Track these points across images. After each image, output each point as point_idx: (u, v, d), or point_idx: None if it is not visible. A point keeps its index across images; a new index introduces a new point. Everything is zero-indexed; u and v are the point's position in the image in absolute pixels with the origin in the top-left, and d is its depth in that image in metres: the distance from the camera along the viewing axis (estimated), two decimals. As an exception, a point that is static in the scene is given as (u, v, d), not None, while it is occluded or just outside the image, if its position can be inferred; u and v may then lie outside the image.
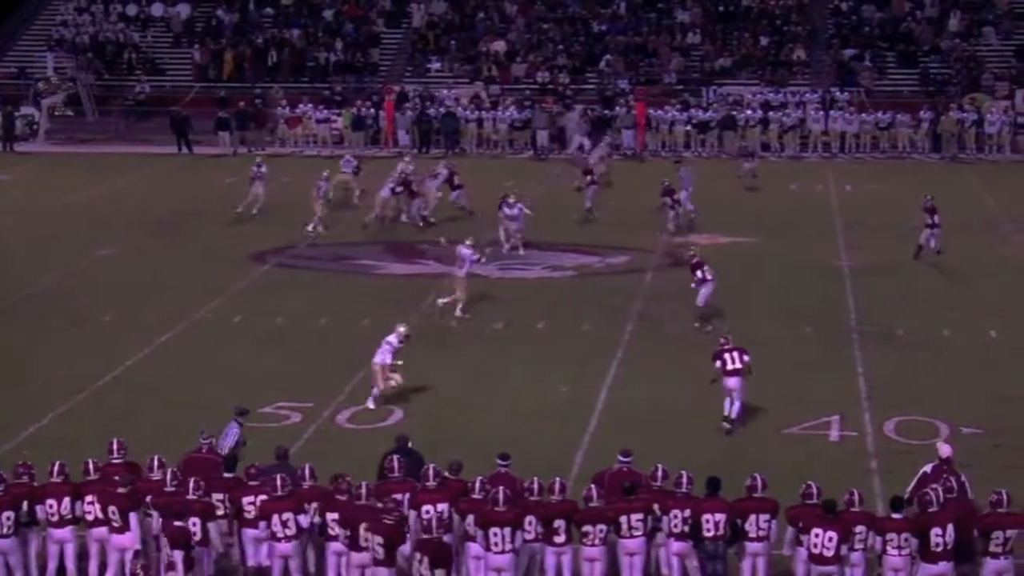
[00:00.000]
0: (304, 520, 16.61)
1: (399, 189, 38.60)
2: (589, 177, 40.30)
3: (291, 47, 60.43)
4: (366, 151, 52.56)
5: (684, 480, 16.83)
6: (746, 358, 22.55)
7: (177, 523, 16.11)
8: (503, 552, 16.20)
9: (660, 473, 17.12)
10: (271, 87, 57.20)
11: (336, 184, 40.06)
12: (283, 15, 62.63)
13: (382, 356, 23.72)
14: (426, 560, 15.72)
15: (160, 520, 16.58)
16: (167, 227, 38.96)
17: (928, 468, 17.45)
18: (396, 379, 23.65)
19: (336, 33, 61.17)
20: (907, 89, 57.06)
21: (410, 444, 18.62)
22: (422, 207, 38.52)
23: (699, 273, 28.38)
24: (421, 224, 38.14)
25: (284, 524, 16.51)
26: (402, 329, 24.11)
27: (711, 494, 16.70)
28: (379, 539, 16.05)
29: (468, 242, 29.88)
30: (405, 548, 16.12)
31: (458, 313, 29.17)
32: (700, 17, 60.91)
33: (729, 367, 22.47)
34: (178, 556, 15.90)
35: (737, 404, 22.53)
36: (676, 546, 16.59)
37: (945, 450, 17.71)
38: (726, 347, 22.67)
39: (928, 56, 58.23)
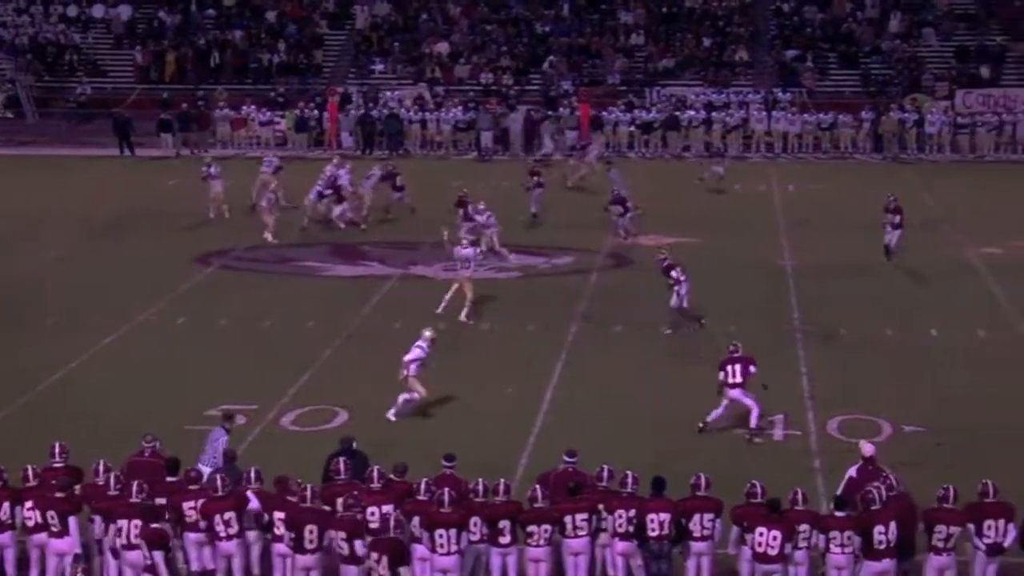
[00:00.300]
0: (254, 503, 16.55)
1: (327, 192, 38.32)
2: (536, 179, 40.25)
3: (234, 48, 60.20)
4: (310, 153, 52.50)
5: (629, 480, 16.86)
6: (751, 369, 22.17)
7: (153, 525, 16.05)
8: (449, 553, 16.18)
9: (606, 473, 17.15)
10: (214, 89, 56.95)
11: (259, 184, 39.78)
12: (225, 16, 62.39)
13: (413, 363, 23.13)
14: (384, 560, 15.69)
15: (102, 524, 16.49)
16: (110, 229, 38.70)
17: (853, 471, 17.52)
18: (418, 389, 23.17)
19: (279, 34, 60.99)
20: (849, 90, 57.46)
21: (355, 445, 18.58)
22: (347, 210, 38.16)
23: (673, 274, 28.12)
24: (363, 227, 38.02)
25: (227, 524, 16.45)
26: (428, 334, 23.43)
27: (656, 494, 16.75)
28: (342, 534, 16.01)
29: (466, 242, 29.72)
30: (359, 546, 16.09)
31: (463, 317, 28.83)
32: (643, 18, 61.12)
33: (729, 380, 22.13)
34: (159, 557, 15.84)
35: (754, 412, 22.20)
36: (621, 546, 16.63)
37: (868, 449, 17.79)
38: (734, 355, 22.30)
39: (869, 57, 58.65)
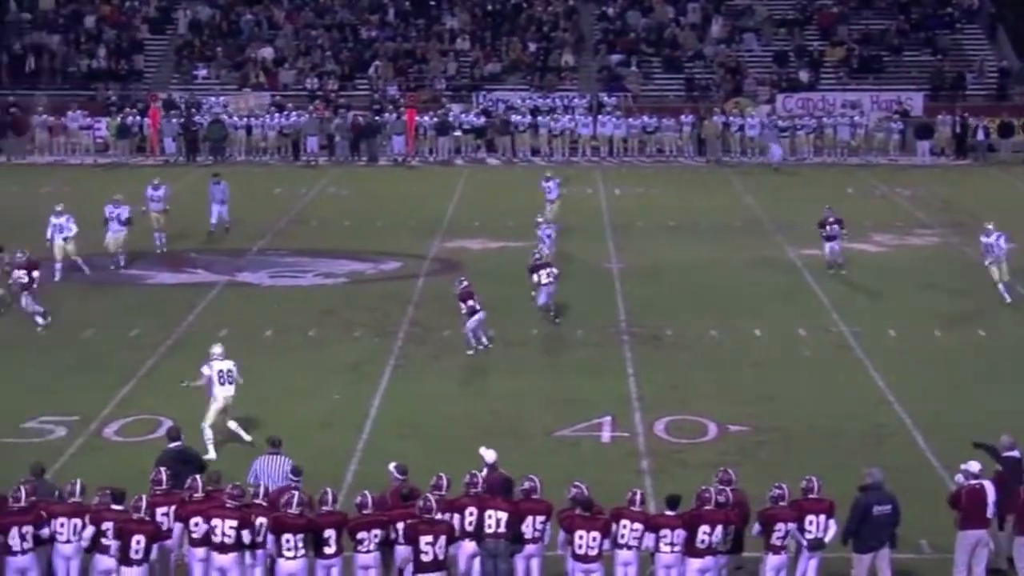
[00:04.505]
0: (45, 531, 16.25)
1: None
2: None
3: (51, 53, 58.95)
4: (132, 159, 51.70)
5: (479, 480, 16.82)
6: None
7: None
8: (296, 557, 16.02)
9: (444, 483, 16.99)
10: (32, 94, 55.75)
11: None
12: (42, 20, 61.07)
13: None
14: (443, 539, 15.99)
15: None
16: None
17: (482, 474, 17.31)
18: None
19: (98, 39, 59.87)
20: (672, 94, 58.15)
21: (183, 438, 18.50)
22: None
23: (468, 303, 27.13)
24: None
25: (23, 538, 16.09)
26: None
27: (500, 494, 16.75)
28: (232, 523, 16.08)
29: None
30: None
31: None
32: (469, 23, 61.20)
33: None
34: None
35: None
36: (471, 547, 16.57)
37: (490, 455, 17.73)
38: None
39: (692, 62, 59.41)
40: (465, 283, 27.59)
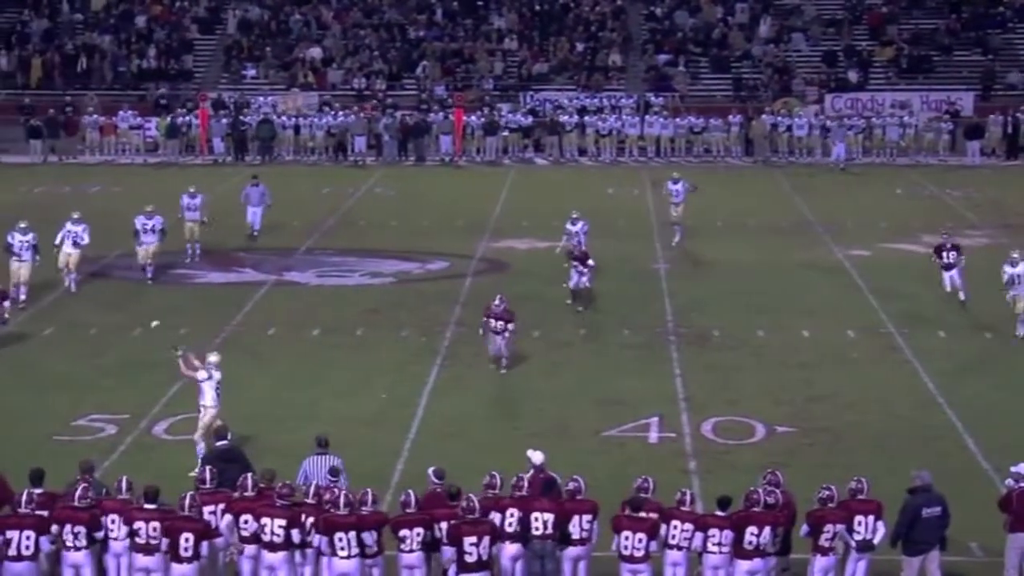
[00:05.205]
0: (100, 534, 16.34)
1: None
2: None
3: (102, 53, 59.36)
4: (181, 159, 51.97)
5: (525, 482, 16.83)
6: None
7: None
8: (349, 557, 16.05)
9: (498, 481, 16.99)
10: (84, 94, 56.12)
11: None
12: (93, 21, 61.50)
13: None
14: (486, 540, 15.90)
15: None
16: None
17: (528, 476, 17.26)
18: None
19: (148, 39, 60.23)
20: (720, 94, 58.03)
21: (230, 437, 18.59)
22: None
23: (500, 323, 25.93)
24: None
25: (75, 535, 16.18)
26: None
27: (544, 494, 16.74)
28: (281, 522, 16.14)
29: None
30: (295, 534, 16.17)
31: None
32: (516, 23, 61.25)
33: None
34: None
35: None
36: (513, 548, 16.54)
37: (538, 457, 17.69)
38: None
39: (740, 62, 59.26)
40: (505, 303, 26.24)
